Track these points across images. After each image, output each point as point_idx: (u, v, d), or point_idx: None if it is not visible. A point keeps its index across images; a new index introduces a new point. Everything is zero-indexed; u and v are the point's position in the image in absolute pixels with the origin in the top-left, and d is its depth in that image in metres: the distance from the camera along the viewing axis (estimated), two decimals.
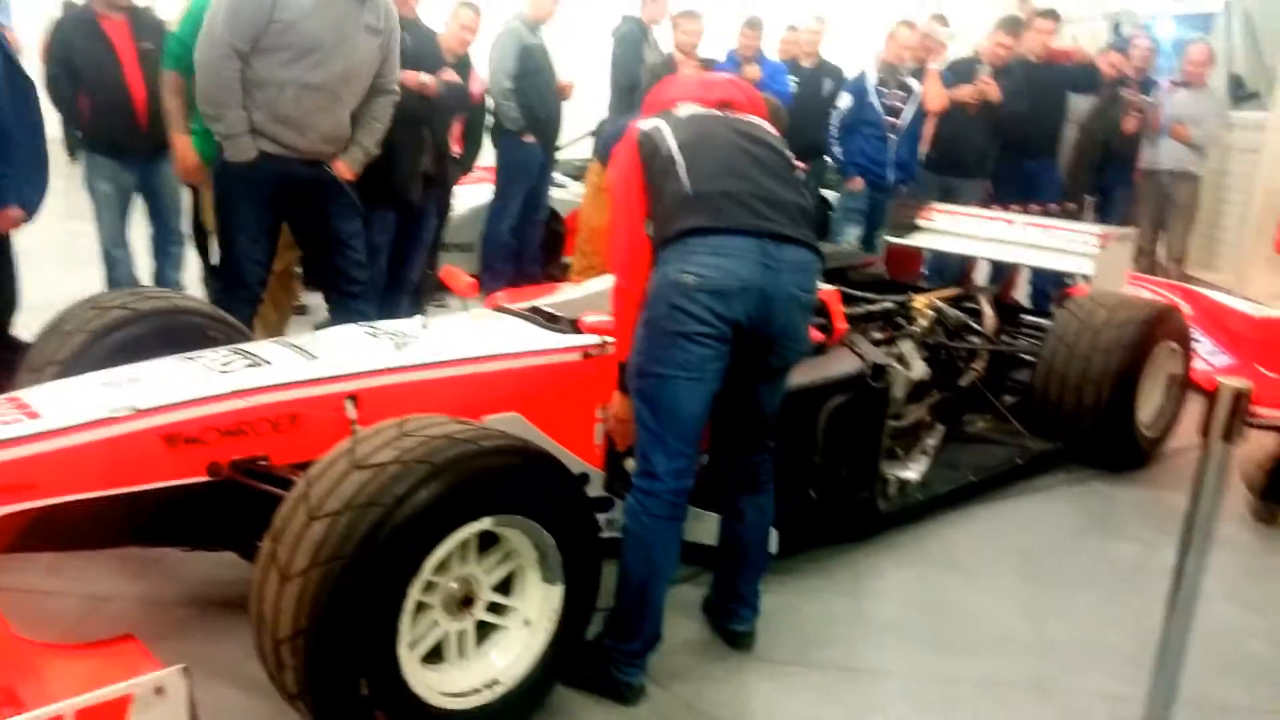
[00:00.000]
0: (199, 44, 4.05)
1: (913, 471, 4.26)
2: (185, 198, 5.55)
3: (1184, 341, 4.99)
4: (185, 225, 5.75)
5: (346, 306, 4.43)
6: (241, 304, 4.29)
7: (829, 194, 7.86)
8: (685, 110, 2.88)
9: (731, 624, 3.11)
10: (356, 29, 4.16)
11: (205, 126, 4.41)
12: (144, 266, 5.72)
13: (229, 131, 4.06)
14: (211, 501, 2.67)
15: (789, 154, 2.94)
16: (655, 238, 2.71)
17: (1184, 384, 4.98)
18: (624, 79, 7.33)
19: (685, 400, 2.64)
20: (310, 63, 4.06)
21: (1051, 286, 7.07)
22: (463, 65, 5.83)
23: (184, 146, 4.77)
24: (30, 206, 4.25)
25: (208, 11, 4.04)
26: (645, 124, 2.85)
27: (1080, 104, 7.54)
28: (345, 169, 4.35)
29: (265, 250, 4.36)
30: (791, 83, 7.70)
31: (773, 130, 2.99)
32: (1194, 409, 4.75)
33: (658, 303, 2.63)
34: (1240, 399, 2.16)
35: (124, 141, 5.26)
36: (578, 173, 7.76)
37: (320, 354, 2.95)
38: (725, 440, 2.99)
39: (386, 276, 5.29)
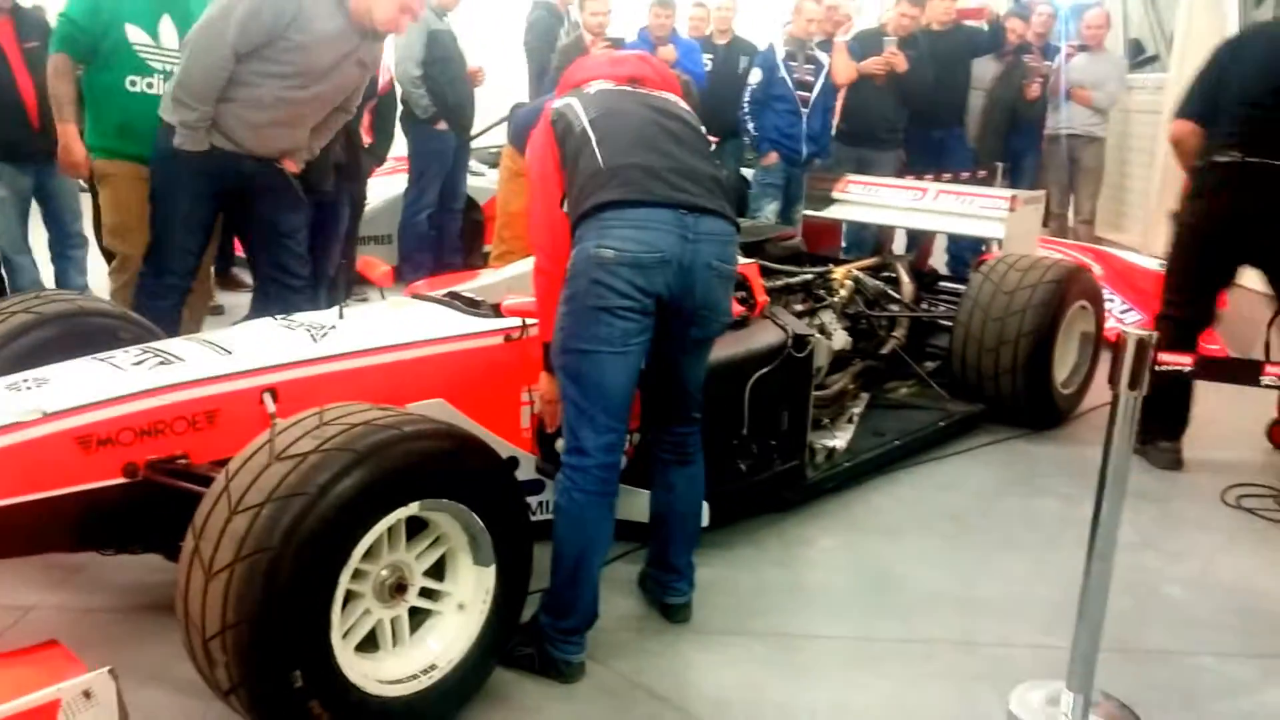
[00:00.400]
0: (198, 33, 3.91)
1: (839, 440, 4.33)
2: (86, 199, 5.40)
3: (1096, 300, 5.12)
4: (85, 227, 5.61)
5: (286, 301, 4.35)
6: (168, 292, 4.24)
7: (746, 171, 7.91)
8: (596, 87, 2.90)
9: (667, 597, 3.13)
10: (349, 62, 4.13)
11: (94, 118, 4.39)
12: (45, 273, 5.57)
13: (193, 123, 3.95)
14: (132, 503, 2.61)
15: (702, 128, 2.96)
16: (572, 214, 2.71)
17: (1098, 342, 5.11)
18: (537, 66, 7.32)
19: (610, 375, 2.65)
20: (296, 84, 4.01)
21: (969, 253, 7.22)
22: None
23: (70, 136, 4.55)
24: None
25: (219, 4, 3.90)
26: (558, 103, 2.87)
27: (985, 71, 7.69)
28: (291, 164, 4.32)
29: (199, 241, 4.28)
30: (706, 61, 7.71)
31: (685, 105, 3.00)
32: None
33: (578, 279, 2.63)
34: (1143, 348, 2.23)
35: (17, 144, 5.13)
36: (495, 160, 7.71)
37: (235, 349, 2.89)
38: (653, 414, 3.02)
39: None
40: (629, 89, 2.90)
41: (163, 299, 4.19)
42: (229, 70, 3.90)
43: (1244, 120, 4.21)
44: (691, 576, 3.15)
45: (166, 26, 4.47)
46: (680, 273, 2.65)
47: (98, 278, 5.66)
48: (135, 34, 4.40)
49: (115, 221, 4.54)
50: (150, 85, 4.41)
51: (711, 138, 3.12)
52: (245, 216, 4.37)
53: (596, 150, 2.69)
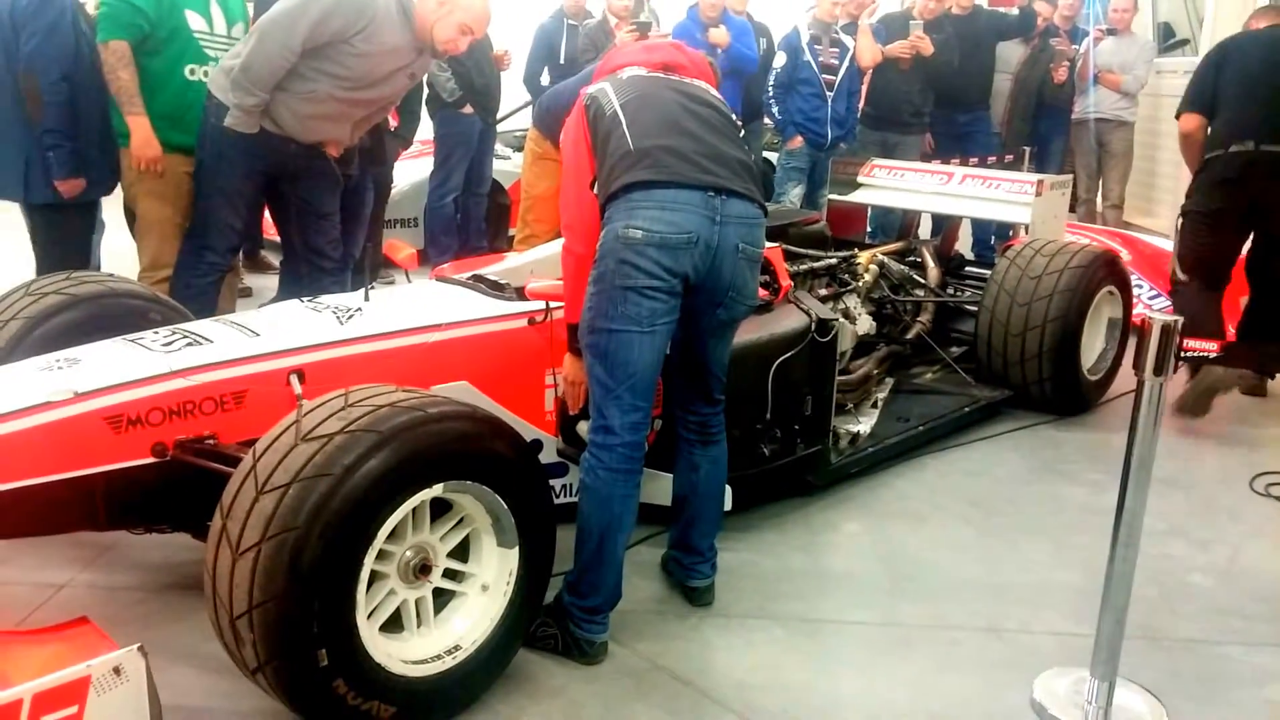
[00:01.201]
0: (273, 22, 3.93)
1: (863, 424, 4.32)
2: None
3: (1124, 286, 5.07)
4: (104, 213, 5.58)
5: (317, 282, 4.43)
6: (209, 270, 4.29)
7: (770, 154, 7.87)
8: (629, 73, 2.92)
9: (690, 580, 3.14)
10: (403, 74, 4.20)
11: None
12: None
13: (248, 106, 4.01)
14: (161, 483, 2.65)
15: (732, 114, 2.96)
16: (601, 196, 2.73)
17: (1125, 328, 5.07)
18: (531, 79, 7.39)
19: (638, 354, 2.66)
20: (349, 85, 4.08)
21: (995, 237, 7.17)
22: None
23: (144, 129, 4.30)
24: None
25: (297, 7, 3.91)
26: (592, 88, 2.89)
27: (1012, 55, 7.62)
28: (334, 148, 4.41)
29: (243, 220, 4.34)
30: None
31: (715, 92, 3.01)
32: None
33: (606, 259, 2.65)
34: (1168, 333, 2.21)
35: None
36: (520, 144, 7.71)
37: (263, 330, 2.92)
38: (677, 394, 3.03)
39: None
40: (661, 75, 2.92)
41: (203, 276, 4.24)
42: (293, 63, 3.95)
43: (1250, 113, 4.74)
44: (714, 559, 3.16)
45: (216, 13, 4.48)
46: (708, 254, 2.66)
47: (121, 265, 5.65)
48: (195, 20, 4.39)
49: (161, 217, 4.44)
50: (206, 74, 4.38)
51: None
52: (284, 197, 4.42)
53: (627, 132, 2.71)
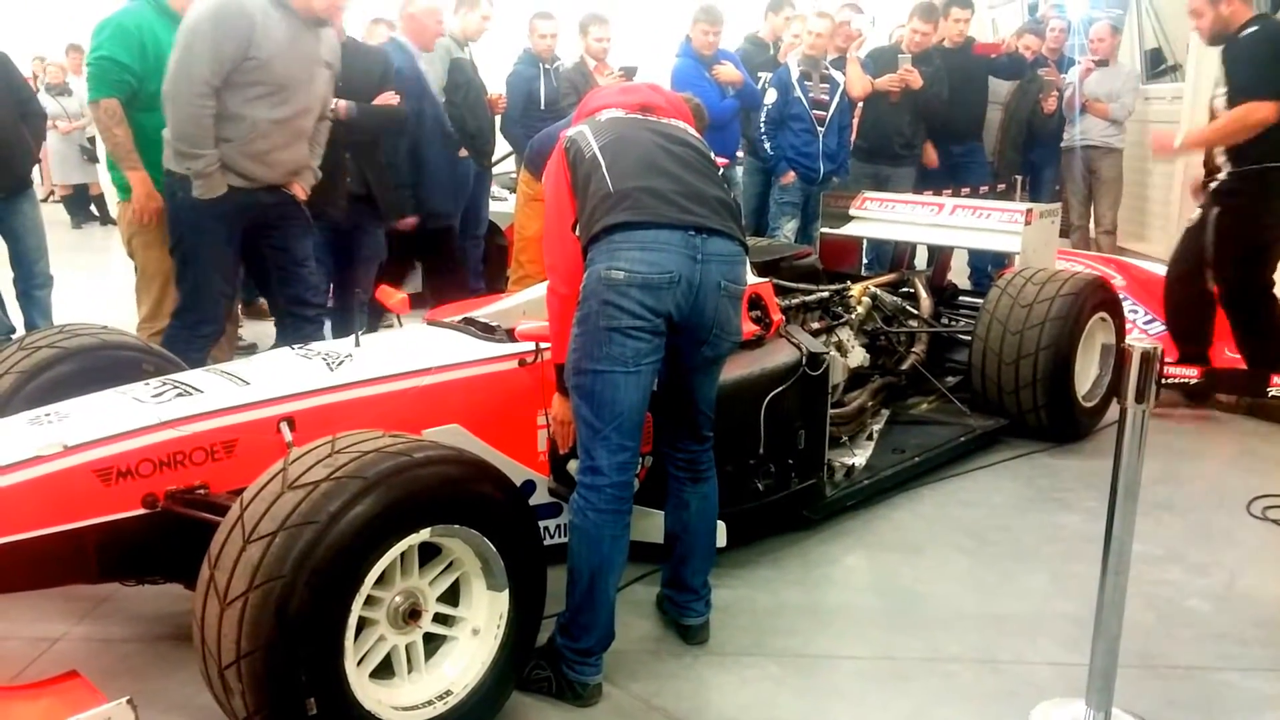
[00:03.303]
0: (174, 82, 3.96)
1: (859, 457, 4.32)
2: (54, 234, 5.40)
3: (1116, 312, 5.08)
4: (50, 266, 5.59)
5: (301, 333, 4.40)
6: (203, 343, 4.28)
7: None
8: (607, 115, 2.95)
9: (684, 618, 3.14)
10: (317, 65, 4.21)
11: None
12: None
13: (205, 169, 4.00)
14: (153, 534, 2.65)
15: (709, 152, 3.00)
16: (583, 237, 2.76)
17: (1119, 354, 5.07)
18: (514, 109, 7.44)
19: (623, 394, 2.68)
20: (279, 99, 4.08)
21: (991, 266, 7.20)
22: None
23: (144, 184, 4.50)
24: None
25: (180, 48, 3.95)
26: (571, 131, 2.92)
27: (1001, 87, 7.71)
28: (300, 190, 4.39)
29: (232, 283, 4.36)
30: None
31: (694, 131, 3.04)
32: None
33: (590, 300, 2.67)
34: (1149, 361, 2.22)
35: None
36: (515, 186, 7.78)
37: (252, 379, 2.94)
38: (665, 433, 3.05)
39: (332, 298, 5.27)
40: (639, 116, 2.95)
41: (198, 350, 4.20)
42: (213, 106, 3.95)
43: None
44: (708, 596, 3.16)
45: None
46: (690, 293, 2.68)
47: (65, 317, 5.46)
48: None
49: (164, 268, 4.51)
50: None
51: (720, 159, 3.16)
52: (259, 252, 4.39)
53: (606, 174, 2.74)
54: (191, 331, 4.24)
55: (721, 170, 3.08)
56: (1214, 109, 5.03)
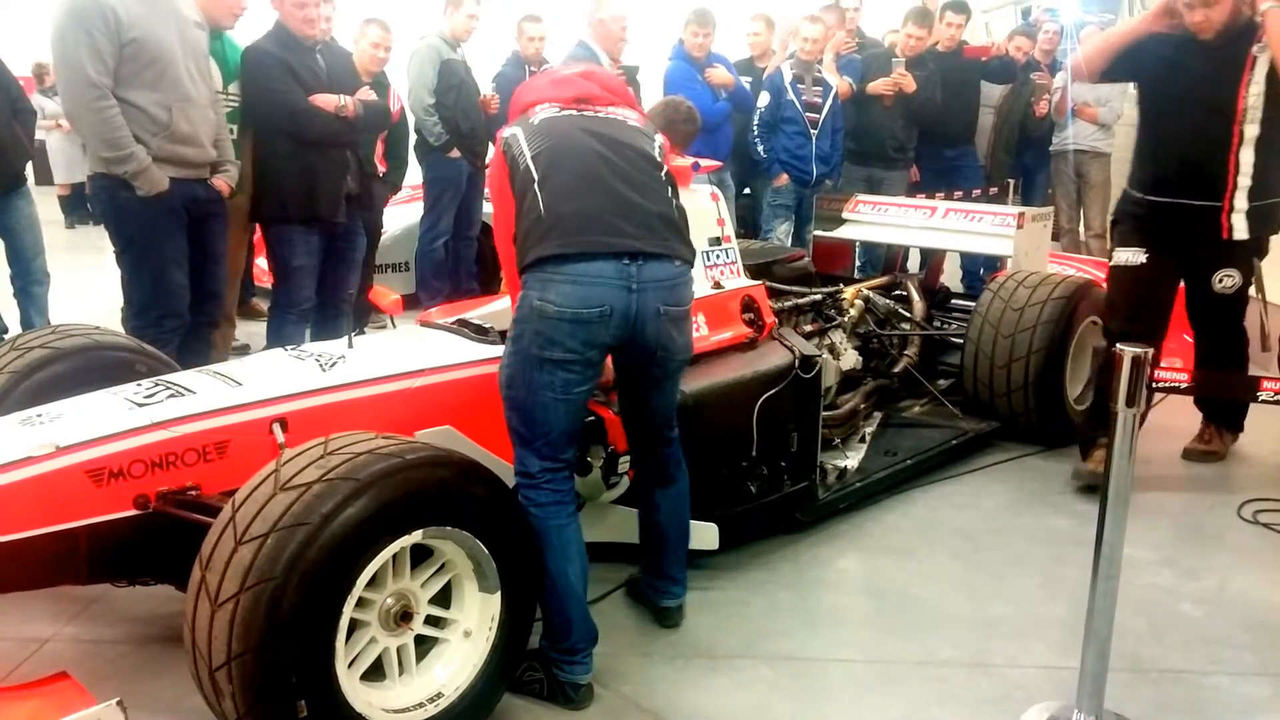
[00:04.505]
0: (68, 97, 3.96)
1: (851, 459, 4.33)
2: (50, 232, 5.40)
3: None
4: (48, 263, 5.61)
5: (204, 331, 4.47)
6: (174, 334, 4.27)
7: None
8: (541, 114, 2.86)
9: (661, 601, 3.18)
10: (188, 26, 4.20)
11: None
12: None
13: (139, 168, 4.01)
14: (144, 535, 2.64)
15: (654, 153, 2.89)
16: (518, 260, 2.71)
17: (1109, 358, 5.07)
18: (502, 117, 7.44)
19: (553, 416, 2.68)
20: (174, 73, 4.07)
21: (984, 269, 7.21)
22: (379, 84, 5.82)
23: None
24: None
25: (58, 61, 3.93)
26: (505, 132, 2.86)
27: (994, 90, 7.71)
28: (225, 185, 4.42)
29: (188, 275, 4.32)
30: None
31: (638, 122, 2.95)
32: None
33: (525, 324, 2.66)
34: (1139, 365, 2.23)
35: None
36: None
37: (245, 380, 2.93)
38: (632, 440, 3.07)
39: (318, 299, 5.26)
40: (575, 113, 2.85)
41: (168, 343, 4.16)
42: (112, 102, 3.93)
43: None
44: (684, 580, 3.19)
45: (214, 70, 4.54)
46: (626, 323, 2.66)
47: (60, 316, 5.45)
48: None
49: None
50: None
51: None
52: (191, 246, 4.35)
53: (539, 193, 2.67)
54: (157, 329, 4.21)
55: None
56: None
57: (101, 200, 4.19)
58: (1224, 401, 4.67)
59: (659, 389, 2.91)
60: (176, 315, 4.27)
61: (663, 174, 2.86)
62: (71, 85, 3.93)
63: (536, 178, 2.69)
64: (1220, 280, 4.28)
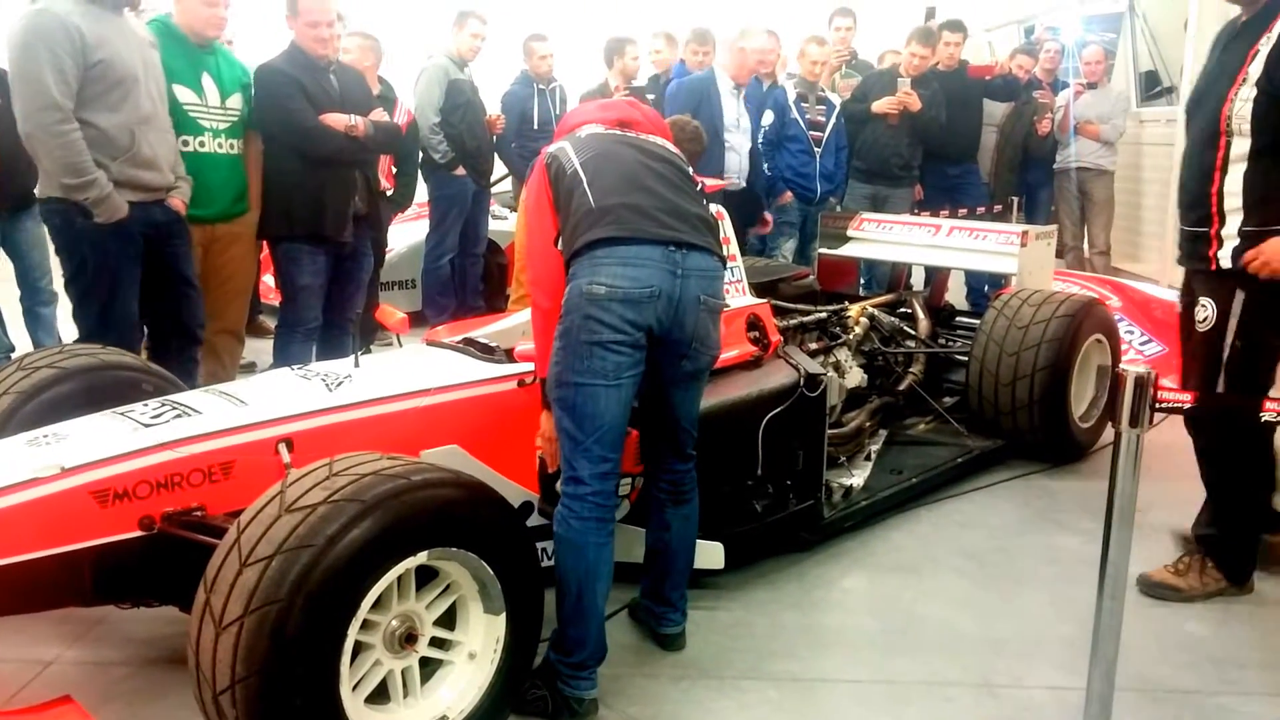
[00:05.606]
0: (28, 118, 3.85)
1: (856, 478, 4.32)
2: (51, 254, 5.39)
3: (1111, 334, 5.10)
4: (54, 283, 5.60)
5: (187, 355, 4.38)
6: None
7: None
8: (587, 131, 3.01)
9: (661, 628, 3.19)
10: (144, 46, 4.16)
11: None
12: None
13: (100, 194, 3.92)
14: (149, 556, 2.64)
15: (688, 168, 3.06)
16: (565, 252, 2.81)
17: (1113, 377, 5.07)
18: (505, 145, 7.54)
19: (604, 407, 2.71)
20: (136, 95, 4.03)
21: (988, 287, 7.22)
22: (386, 97, 5.85)
23: None
24: None
25: (19, 81, 3.83)
26: (552, 148, 2.98)
27: (996, 108, 7.75)
28: (182, 205, 4.33)
29: (138, 302, 4.22)
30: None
31: (672, 147, 3.11)
32: None
33: (572, 314, 2.72)
34: (1143, 385, 2.23)
35: None
36: (516, 204, 7.81)
37: (251, 400, 2.94)
38: (650, 453, 3.09)
39: (325, 318, 5.27)
40: (618, 132, 3.02)
41: None
42: (75, 125, 3.85)
43: None
44: (684, 607, 3.21)
45: (209, 84, 4.56)
46: (670, 307, 2.73)
47: (70, 336, 5.48)
48: (183, 93, 4.48)
49: None
50: (202, 144, 4.51)
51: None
52: (150, 270, 4.26)
53: (588, 190, 2.79)
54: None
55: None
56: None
57: (55, 225, 4.09)
58: (1233, 540, 3.64)
59: (687, 389, 2.96)
60: (130, 346, 4.10)
61: (697, 186, 3.03)
62: (32, 106, 3.83)
63: (585, 179, 2.81)
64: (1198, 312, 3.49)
